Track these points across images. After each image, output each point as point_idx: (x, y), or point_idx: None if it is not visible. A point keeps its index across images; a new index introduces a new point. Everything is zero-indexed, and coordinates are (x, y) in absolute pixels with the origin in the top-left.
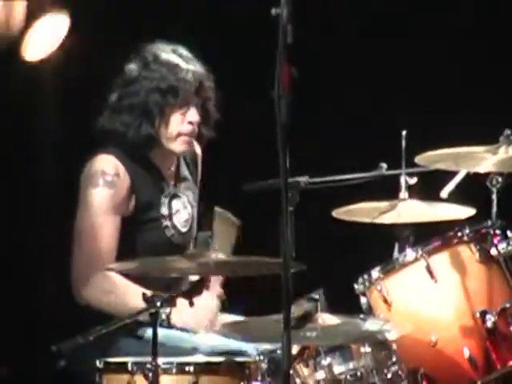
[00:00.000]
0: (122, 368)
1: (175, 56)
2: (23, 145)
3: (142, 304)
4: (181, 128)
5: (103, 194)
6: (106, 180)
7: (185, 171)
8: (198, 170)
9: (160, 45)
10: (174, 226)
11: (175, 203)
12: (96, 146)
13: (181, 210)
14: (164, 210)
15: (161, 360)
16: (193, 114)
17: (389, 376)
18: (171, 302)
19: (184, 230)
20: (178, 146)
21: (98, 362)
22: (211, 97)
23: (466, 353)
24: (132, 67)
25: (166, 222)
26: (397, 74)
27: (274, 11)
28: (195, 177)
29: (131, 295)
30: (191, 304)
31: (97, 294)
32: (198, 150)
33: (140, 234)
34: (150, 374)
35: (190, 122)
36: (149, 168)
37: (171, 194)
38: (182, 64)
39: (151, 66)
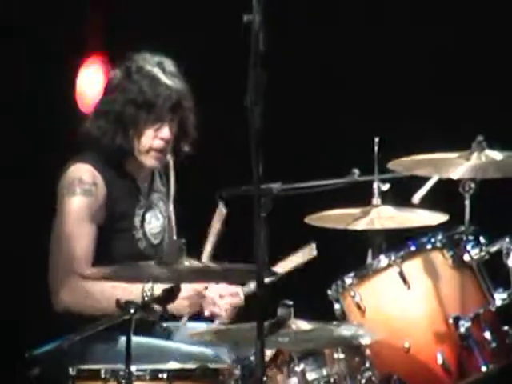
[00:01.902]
0: (95, 375)
1: (158, 69)
2: None
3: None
4: (152, 143)
5: (80, 202)
6: (84, 188)
7: (158, 183)
8: (170, 182)
9: (147, 55)
10: (147, 238)
11: (149, 215)
12: (76, 151)
13: (153, 222)
14: (137, 222)
15: (134, 367)
16: (165, 131)
17: (362, 382)
18: (145, 309)
19: (155, 241)
20: (148, 160)
21: (70, 370)
22: (188, 116)
23: (440, 358)
24: (115, 74)
25: (139, 235)
26: (370, 80)
27: (245, 18)
28: (168, 188)
29: (108, 297)
30: (165, 311)
31: (75, 299)
32: (170, 163)
33: (113, 243)
34: (124, 381)
35: (162, 139)
36: (124, 178)
37: (145, 206)
38: (163, 79)
39: (133, 77)
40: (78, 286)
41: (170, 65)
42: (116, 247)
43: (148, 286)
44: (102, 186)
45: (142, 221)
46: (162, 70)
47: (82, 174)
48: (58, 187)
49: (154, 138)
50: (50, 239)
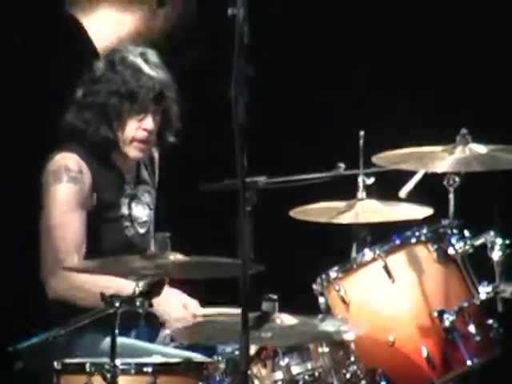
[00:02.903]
0: (79, 369)
1: (141, 60)
2: None
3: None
4: (135, 134)
5: (69, 189)
6: (70, 176)
7: (144, 174)
8: (155, 174)
9: (129, 47)
10: (134, 227)
11: (135, 204)
12: (59, 143)
13: (140, 212)
14: (125, 210)
15: (119, 361)
16: (148, 122)
17: (347, 376)
18: (130, 303)
19: (142, 231)
20: (131, 152)
21: (55, 363)
22: (171, 106)
23: (424, 352)
24: (99, 66)
25: (127, 223)
26: (355, 73)
27: (230, 11)
28: (153, 180)
29: (100, 287)
30: (150, 305)
31: (66, 289)
32: (155, 154)
33: (102, 232)
34: (108, 375)
35: (145, 129)
36: (110, 168)
37: (131, 195)
38: (146, 69)
39: (116, 68)
40: (68, 277)
41: (153, 55)
42: (104, 235)
43: (141, 283)
44: (88, 174)
45: (129, 209)
46: (144, 61)
47: (68, 162)
48: (43, 176)
49: (137, 129)
50: (38, 230)
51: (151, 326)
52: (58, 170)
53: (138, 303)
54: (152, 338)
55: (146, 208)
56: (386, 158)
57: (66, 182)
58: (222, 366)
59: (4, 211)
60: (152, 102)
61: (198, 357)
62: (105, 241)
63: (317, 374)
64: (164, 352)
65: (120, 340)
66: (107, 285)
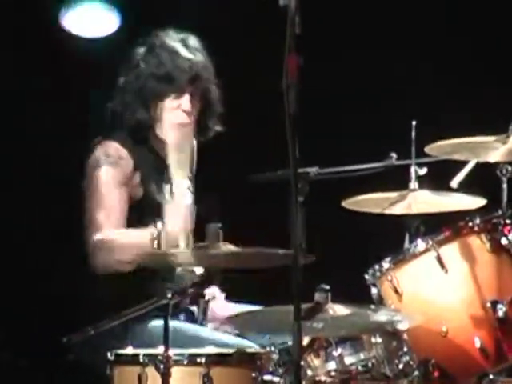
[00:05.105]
0: (133, 360)
1: (179, 44)
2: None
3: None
4: (173, 116)
5: (108, 171)
6: (110, 161)
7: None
8: (193, 160)
9: (171, 32)
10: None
11: (176, 190)
12: (104, 131)
13: (181, 197)
14: (167, 195)
15: (172, 351)
16: (186, 103)
17: (400, 366)
18: (182, 294)
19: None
20: (170, 135)
21: (108, 354)
22: (209, 88)
23: (477, 342)
24: (138, 51)
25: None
26: (408, 65)
27: (281, 2)
28: (191, 166)
29: (142, 236)
30: (202, 296)
31: (109, 258)
32: (194, 143)
33: (145, 219)
34: (162, 366)
35: (183, 111)
36: (150, 154)
37: (172, 181)
38: (183, 52)
39: (155, 51)
40: (108, 241)
41: (193, 41)
42: (147, 222)
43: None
44: (129, 160)
45: (171, 195)
46: (183, 45)
47: (108, 149)
48: (86, 166)
49: (175, 110)
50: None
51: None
52: (98, 157)
53: (189, 294)
54: (198, 320)
55: (186, 194)
56: (439, 148)
57: (106, 165)
58: (275, 356)
59: (55, 208)
60: (188, 83)
61: (250, 345)
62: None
63: (370, 364)
64: (215, 337)
65: (172, 325)
66: (139, 236)
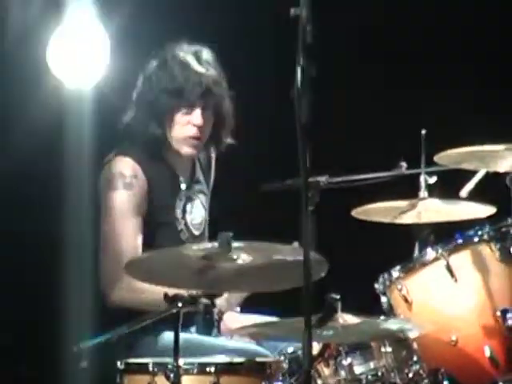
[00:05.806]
0: (143, 369)
1: (192, 58)
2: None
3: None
4: (185, 130)
5: (123, 196)
6: (125, 182)
7: (199, 174)
8: (211, 174)
9: (184, 45)
10: (188, 229)
11: (189, 206)
12: (117, 145)
13: (194, 213)
14: (179, 213)
15: (182, 360)
16: (197, 117)
17: (410, 375)
18: (193, 303)
19: (197, 233)
20: (183, 149)
21: (118, 363)
22: (222, 102)
23: (487, 351)
24: (151, 65)
25: (181, 226)
26: (418, 72)
27: (293, 11)
28: (208, 180)
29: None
30: (213, 305)
31: (128, 295)
32: (213, 154)
33: (156, 235)
34: (172, 375)
35: (195, 125)
36: (164, 169)
37: (186, 197)
38: (195, 66)
39: (167, 64)
40: (127, 284)
41: (207, 54)
42: (158, 239)
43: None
44: (143, 177)
45: (184, 212)
46: (196, 59)
47: (123, 167)
48: (100, 181)
49: (186, 125)
50: (97, 235)
51: (208, 320)
52: (113, 176)
53: (199, 303)
54: (210, 333)
55: (201, 209)
56: (448, 157)
57: (121, 189)
58: (285, 365)
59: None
60: (199, 97)
61: (260, 353)
62: (159, 242)
63: (379, 373)
64: (227, 345)
65: (183, 336)
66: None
